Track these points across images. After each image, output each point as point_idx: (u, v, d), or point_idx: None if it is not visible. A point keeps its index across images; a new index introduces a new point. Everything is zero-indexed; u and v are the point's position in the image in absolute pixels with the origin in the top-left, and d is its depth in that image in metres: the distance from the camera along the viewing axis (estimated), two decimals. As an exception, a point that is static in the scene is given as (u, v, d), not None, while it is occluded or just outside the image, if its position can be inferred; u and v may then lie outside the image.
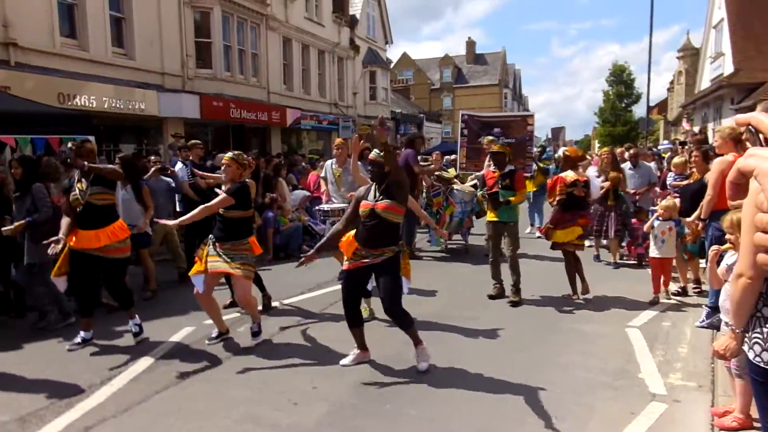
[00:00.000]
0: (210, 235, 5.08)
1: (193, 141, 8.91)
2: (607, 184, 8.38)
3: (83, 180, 5.12)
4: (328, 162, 7.43)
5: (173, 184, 8.11)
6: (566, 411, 3.86)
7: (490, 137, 8.10)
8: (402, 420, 3.74)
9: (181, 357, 4.94)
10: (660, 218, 6.46)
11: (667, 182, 8.24)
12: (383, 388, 4.24)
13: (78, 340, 5.21)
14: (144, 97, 13.59)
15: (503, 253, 6.68)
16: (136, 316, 5.42)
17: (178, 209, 8.67)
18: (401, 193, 4.42)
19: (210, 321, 5.36)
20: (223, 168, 5.10)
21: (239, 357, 4.91)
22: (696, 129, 11.56)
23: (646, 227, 6.66)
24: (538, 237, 9.45)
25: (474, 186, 9.20)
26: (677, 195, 7.16)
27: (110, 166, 5.47)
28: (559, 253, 6.87)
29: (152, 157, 8.86)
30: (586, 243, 7.46)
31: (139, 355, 4.96)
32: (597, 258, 8.82)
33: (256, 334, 5.27)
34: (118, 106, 12.70)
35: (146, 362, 4.78)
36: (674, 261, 6.70)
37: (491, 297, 6.74)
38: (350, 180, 6.78)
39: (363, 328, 4.69)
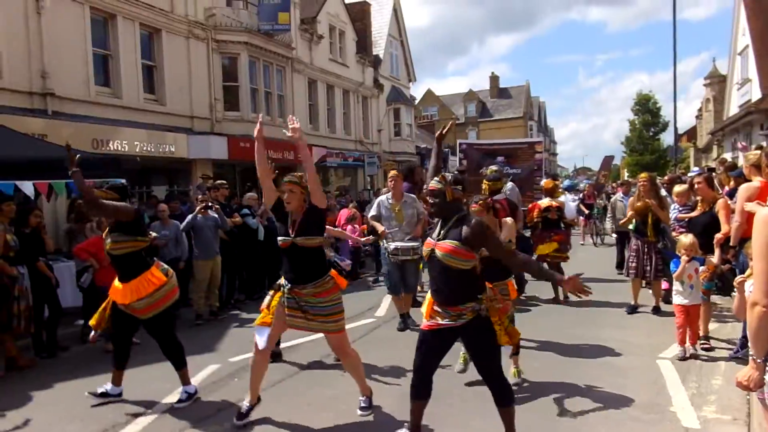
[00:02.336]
0: (281, 280, 4.24)
1: (219, 181, 9.14)
2: (629, 214, 7.42)
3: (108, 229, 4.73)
4: (382, 197, 6.98)
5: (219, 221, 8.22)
6: (594, 446, 3.75)
7: (493, 167, 7.29)
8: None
9: (203, 395, 4.97)
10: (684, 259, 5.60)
11: (670, 215, 7.19)
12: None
13: (100, 390, 4.78)
14: (174, 140, 14.02)
15: None
16: (191, 381, 4.84)
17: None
18: (477, 231, 3.40)
19: (237, 359, 5.15)
20: (286, 196, 4.21)
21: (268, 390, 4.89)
22: (744, 147, 11.00)
23: (676, 275, 5.59)
24: None
25: None
26: (683, 229, 6.49)
27: (124, 204, 4.75)
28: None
29: (200, 195, 9.11)
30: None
31: (164, 395, 4.99)
32: (632, 309, 7.37)
33: (364, 409, 4.33)
34: (149, 149, 13.11)
35: (165, 406, 4.81)
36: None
37: None
38: (411, 213, 6.59)
39: (426, 404, 3.69)
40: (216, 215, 8.12)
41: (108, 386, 4.80)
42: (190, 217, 7.95)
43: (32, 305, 6.11)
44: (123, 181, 6.58)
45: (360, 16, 25.45)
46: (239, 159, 16.07)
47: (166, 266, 4.89)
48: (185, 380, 4.77)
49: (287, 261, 4.15)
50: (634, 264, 7.18)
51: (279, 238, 4.21)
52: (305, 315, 4.10)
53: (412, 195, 6.76)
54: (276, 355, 5.63)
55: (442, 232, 3.54)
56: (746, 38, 20.95)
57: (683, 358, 5.41)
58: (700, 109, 35.75)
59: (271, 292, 4.28)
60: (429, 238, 3.65)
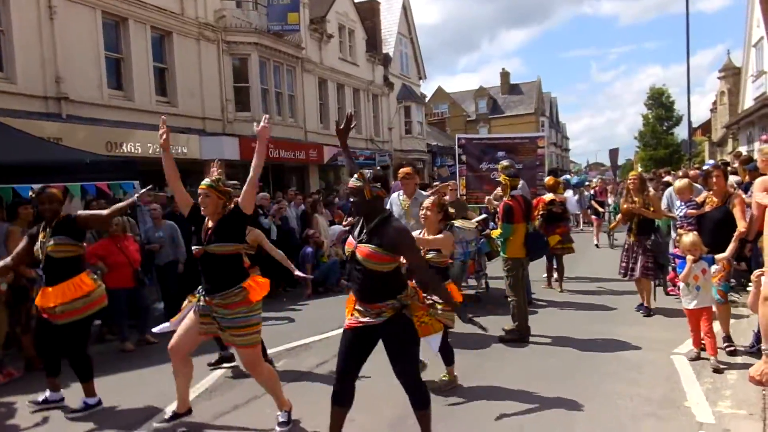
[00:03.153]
0: (200, 287, 4.05)
1: (231, 182, 9.17)
2: (618, 217, 7.53)
3: (47, 229, 4.60)
4: (394, 195, 6.78)
5: None
6: (608, 442, 3.74)
7: (505, 163, 7.14)
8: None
9: (222, 390, 5.02)
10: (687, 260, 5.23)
11: (675, 212, 7.04)
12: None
13: (41, 398, 4.76)
14: (187, 142, 14.14)
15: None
16: (96, 394, 4.68)
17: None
18: (398, 240, 3.33)
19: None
20: (201, 199, 3.98)
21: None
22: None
23: (682, 277, 5.26)
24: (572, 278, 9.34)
25: (485, 221, 8.31)
26: (692, 227, 6.15)
27: (96, 212, 4.83)
28: (594, 291, 8.63)
29: None
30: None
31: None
32: (644, 309, 7.08)
33: (283, 424, 4.08)
34: (161, 151, 13.21)
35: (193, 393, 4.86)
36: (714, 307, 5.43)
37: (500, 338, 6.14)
38: (417, 212, 6.31)
39: (346, 412, 3.54)
40: None
41: (47, 393, 4.79)
42: None
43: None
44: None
45: (369, 15, 25.45)
46: (251, 159, 16.15)
47: (97, 275, 4.79)
48: (89, 392, 4.66)
49: (202, 270, 3.98)
50: (624, 264, 7.13)
51: (193, 246, 4.02)
52: (219, 325, 3.95)
53: (425, 192, 6.70)
54: (225, 359, 5.67)
55: (363, 233, 3.43)
56: (761, 30, 20.66)
57: (695, 359, 5.21)
58: (714, 102, 35.32)
59: (189, 297, 4.15)
60: (350, 238, 3.54)
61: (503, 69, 60.09)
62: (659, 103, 40.67)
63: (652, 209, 6.94)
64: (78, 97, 11.45)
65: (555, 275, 9.06)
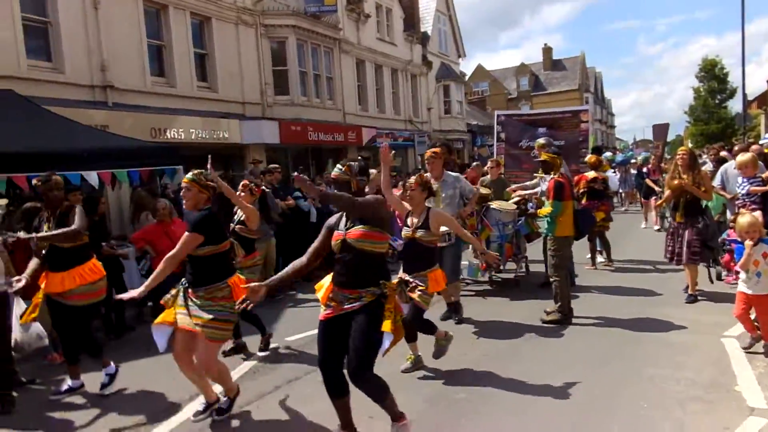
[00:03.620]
0: (182, 279, 4.10)
1: (272, 165, 9.30)
2: (667, 192, 6.78)
3: (51, 220, 4.69)
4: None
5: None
6: (653, 426, 3.66)
7: (541, 141, 6.89)
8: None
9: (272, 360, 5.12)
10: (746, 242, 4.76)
11: (737, 189, 6.48)
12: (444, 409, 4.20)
13: (64, 387, 4.84)
14: (228, 127, 14.35)
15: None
16: (111, 363, 4.90)
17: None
18: (376, 215, 3.46)
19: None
20: (182, 193, 4.12)
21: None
22: None
23: (741, 264, 4.78)
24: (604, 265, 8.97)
25: (521, 203, 7.92)
26: (755, 205, 5.87)
27: (64, 230, 4.57)
28: (640, 273, 8.30)
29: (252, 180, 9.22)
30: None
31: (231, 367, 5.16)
32: (689, 297, 6.60)
33: (220, 411, 4.12)
34: (204, 136, 13.48)
35: (236, 374, 4.99)
36: None
37: (543, 321, 6.09)
38: (450, 194, 6.19)
39: (348, 400, 3.49)
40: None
41: (69, 382, 4.86)
42: None
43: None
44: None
45: (407, -7, 25.12)
46: (291, 143, 16.33)
47: (146, 259, 5.12)
48: (105, 363, 4.86)
49: (188, 263, 4.03)
50: (670, 248, 6.70)
51: None
52: (189, 312, 3.90)
53: (455, 174, 6.46)
54: (241, 348, 5.63)
55: (348, 222, 3.50)
56: (823, -7, 19.42)
57: (748, 347, 4.86)
58: (771, 73, 33.57)
59: (173, 291, 4.08)
60: (336, 231, 3.54)
61: (546, 44, 58.67)
62: (712, 75, 38.92)
63: (703, 189, 6.43)
64: (122, 84, 11.73)
65: (599, 257, 8.97)
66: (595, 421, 3.79)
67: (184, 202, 4.06)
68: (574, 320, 6.08)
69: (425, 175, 5.13)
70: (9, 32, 9.71)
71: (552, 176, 6.23)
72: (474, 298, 7.51)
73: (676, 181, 6.49)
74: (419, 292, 4.40)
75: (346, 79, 19.88)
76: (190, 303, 3.91)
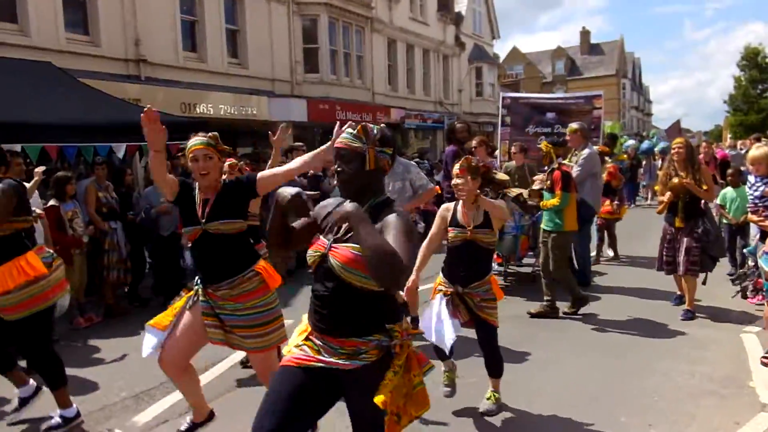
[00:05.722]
0: (196, 278, 3.19)
1: (296, 143, 9.36)
2: (667, 195, 5.62)
3: None
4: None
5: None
6: (662, 418, 3.65)
7: (574, 126, 6.55)
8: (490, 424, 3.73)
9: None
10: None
11: (748, 191, 5.03)
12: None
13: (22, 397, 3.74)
14: (258, 103, 14.47)
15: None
16: (72, 404, 3.62)
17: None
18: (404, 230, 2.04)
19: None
20: (200, 164, 3.08)
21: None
22: None
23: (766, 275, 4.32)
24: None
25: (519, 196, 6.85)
26: None
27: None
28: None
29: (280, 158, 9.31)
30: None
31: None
32: (684, 313, 5.73)
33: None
34: (233, 112, 13.63)
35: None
36: None
37: (530, 314, 5.83)
38: (398, 187, 5.29)
39: None
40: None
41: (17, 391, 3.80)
42: None
43: (126, 258, 6.62)
44: None
45: (441, -29, 24.75)
46: (319, 121, 16.38)
47: (52, 254, 3.68)
48: (63, 402, 3.56)
49: (198, 255, 3.15)
50: (667, 257, 5.80)
51: (185, 228, 3.16)
52: (222, 325, 3.07)
53: (406, 161, 5.42)
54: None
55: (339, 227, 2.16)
56: None
57: None
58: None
59: (183, 292, 3.25)
60: (321, 237, 2.23)
61: (584, 27, 57.11)
62: (754, 63, 37.50)
63: (704, 187, 5.50)
64: (155, 59, 11.90)
65: (609, 252, 8.83)
66: (604, 409, 3.78)
67: (200, 175, 3.06)
68: (589, 313, 5.96)
69: (471, 158, 3.85)
70: (49, 6, 9.93)
71: (562, 165, 5.83)
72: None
73: (675, 180, 5.53)
74: (486, 308, 3.54)
75: (377, 58, 19.78)
76: (217, 309, 3.06)
